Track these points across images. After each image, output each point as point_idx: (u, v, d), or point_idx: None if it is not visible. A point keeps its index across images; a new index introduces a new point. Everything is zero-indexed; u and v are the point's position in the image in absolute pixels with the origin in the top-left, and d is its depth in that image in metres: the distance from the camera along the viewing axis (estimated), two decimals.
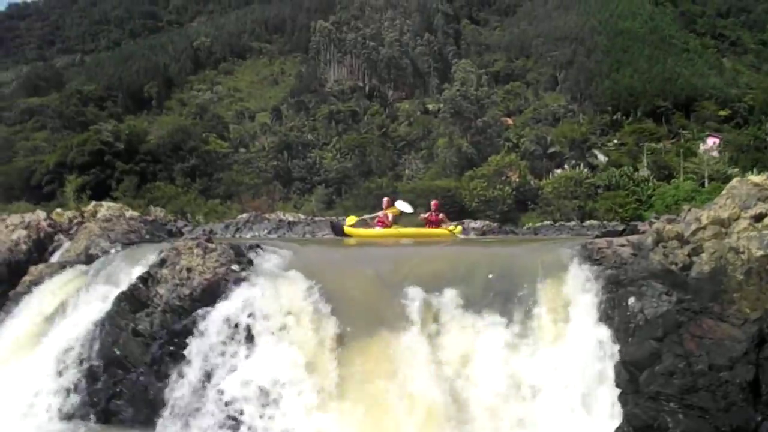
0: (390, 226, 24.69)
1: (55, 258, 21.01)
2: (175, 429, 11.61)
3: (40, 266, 19.02)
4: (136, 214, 36.91)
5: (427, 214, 26.25)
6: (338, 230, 24.55)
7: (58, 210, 40.52)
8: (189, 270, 13.05)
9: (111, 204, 46.18)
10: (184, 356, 12.15)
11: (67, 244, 21.62)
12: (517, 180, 78.01)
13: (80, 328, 13.53)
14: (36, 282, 17.58)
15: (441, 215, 26.00)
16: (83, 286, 15.36)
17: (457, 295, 11.85)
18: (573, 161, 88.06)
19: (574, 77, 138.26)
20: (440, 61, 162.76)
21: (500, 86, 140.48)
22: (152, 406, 12.10)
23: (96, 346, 13.02)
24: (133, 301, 13.21)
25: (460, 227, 27.80)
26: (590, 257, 11.76)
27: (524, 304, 11.52)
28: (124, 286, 13.74)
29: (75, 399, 12.75)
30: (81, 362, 13.01)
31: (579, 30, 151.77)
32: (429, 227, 25.37)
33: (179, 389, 11.89)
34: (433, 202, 27.42)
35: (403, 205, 26.23)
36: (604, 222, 58.37)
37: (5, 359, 14.46)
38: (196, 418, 11.46)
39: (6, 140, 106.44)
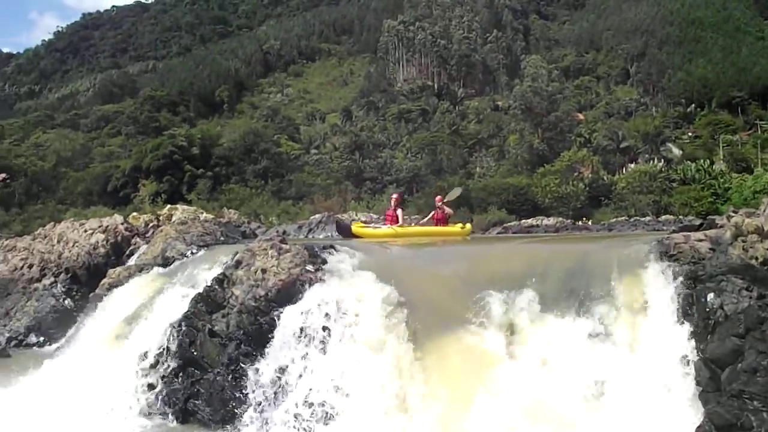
0: (396, 223, 23.45)
1: (132, 261, 21.35)
2: (252, 428, 11.73)
3: (118, 269, 19.34)
4: (210, 216, 37.27)
5: (432, 213, 25.27)
6: (345, 230, 23.49)
7: (134, 214, 41.11)
8: (264, 271, 13.19)
9: (186, 207, 46.74)
10: (259, 356, 12.27)
11: (144, 247, 21.97)
12: (590, 176, 77.10)
13: (158, 330, 13.72)
14: (114, 284, 17.88)
15: (447, 211, 25.02)
16: (161, 288, 15.60)
17: (533, 294, 11.75)
18: (646, 155, 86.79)
19: (645, 70, 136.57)
20: (509, 58, 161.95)
21: (570, 81, 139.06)
22: (229, 406, 12.24)
23: (174, 347, 13.19)
24: (209, 302, 13.38)
25: (469, 225, 26.51)
26: (667, 253, 11.57)
27: (601, 302, 11.39)
28: (200, 288, 13.92)
29: (154, 398, 12.94)
30: (159, 363, 13.20)
31: (650, 21, 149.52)
32: (436, 225, 24.58)
33: (255, 389, 12.01)
34: (437, 198, 26.32)
35: (455, 192, 26.53)
36: (680, 217, 57.36)
37: (87, 359, 14.72)
38: (273, 418, 11.54)
39: (83, 146, 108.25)
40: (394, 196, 25.07)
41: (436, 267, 14.56)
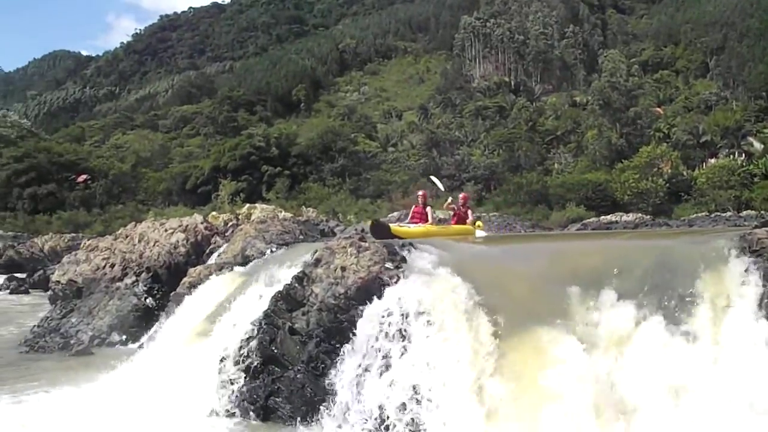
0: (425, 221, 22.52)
1: (212, 260, 21.56)
2: (332, 426, 11.71)
3: (199, 268, 19.51)
4: (289, 215, 37.62)
5: (454, 206, 24.52)
6: (383, 231, 20.96)
7: (214, 213, 41.67)
8: (343, 269, 13.16)
9: (264, 206, 47.24)
10: (340, 354, 12.25)
11: (224, 246, 22.17)
12: (670, 171, 75.98)
13: (239, 328, 13.79)
14: (195, 283, 18.04)
15: (468, 209, 24.50)
16: (241, 287, 15.68)
17: (613, 290, 11.56)
18: (727, 150, 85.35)
19: (725, 63, 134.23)
20: (586, 53, 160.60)
21: (649, 75, 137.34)
22: (310, 404, 12.23)
23: (254, 345, 13.23)
24: (289, 300, 13.39)
25: (480, 223, 25.97)
26: (749, 248, 11.32)
27: (682, 298, 11.14)
28: (280, 286, 13.94)
29: (235, 396, 13.00)
30: (240, 360, 13.25)
31: (729, 14, 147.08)
32: (454, 223, 24.10)
33: (336, 387, 11.99)
34: (461, 195, 25.63)
35: (436, 180, 25.52)
36: (762, 212, 56.43)
37: (168, 358, 14.86)
38: (353, 416, 11.51)
39: (162, 147, 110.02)
40: (421, 193, 23.86)
41: (516, 264, 14.39)
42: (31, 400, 14.17)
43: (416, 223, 22.22)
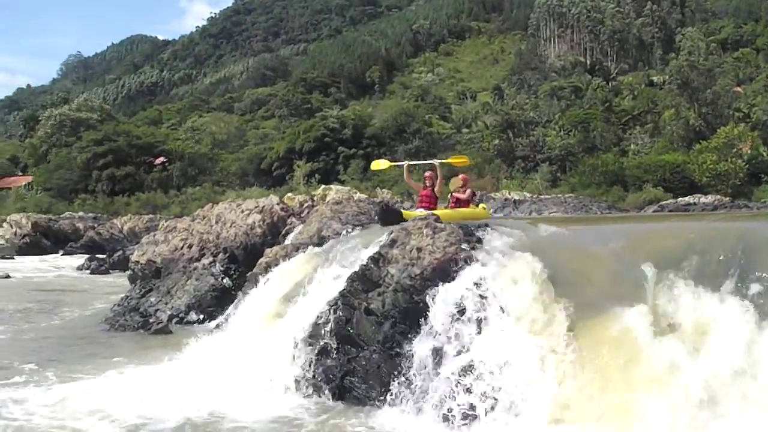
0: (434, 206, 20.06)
1: (288, 240, 21.68)
2: (407, 407, 11.73)
3: (275, 248, 19.63)
4: (363, 196, 37.74)
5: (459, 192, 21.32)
6: (392, 216, 18.53)
7: (289, 194, 41.93)
8: (419, 250, 13.15)
9: (339, 187, 47.42)
10: (415, 335, 12.26)
11: (299, 227, 22.28)
12: (750, 152, 74.46)
13: (315, 308, 13.87)
14: (271, 264, 18.15)
15: (468, 191, 21.39)
16: (317, 267, 15.75)
17: (692, 273, 11.37)
18: None
19: None
20: (664, 31, 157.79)
21: (728, 54, 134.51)
22: (385, 384, 12.26)
23: (330, 325, 13.30)
24: (365, 280, 13.42)
25: (484, 205, 23.47)
26: None
27: (764, 282, 10.93)
28: (356, 267, 13.99)
29: (311, 376, 13.09)
30: (316, 340, 13.34)
31: None
32: (453, 206, 20.99)
33: (411, 368, 12.00)
34: (460, 176, 22.23)
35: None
36: None
37: (245, 337, 15.02)
38: (428, 397, 11.52)
39: (238, 129, 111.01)
40: (427, 174, 21.24)
41: (592, 245, 14.23)
42: (112, 376, 14.44)
43: (426, 207, 19.82)
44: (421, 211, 18.78)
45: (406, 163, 20.06)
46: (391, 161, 20.15)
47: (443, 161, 21.01)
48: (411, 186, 22.19)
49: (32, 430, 11.24)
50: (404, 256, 13.27)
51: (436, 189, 20.00)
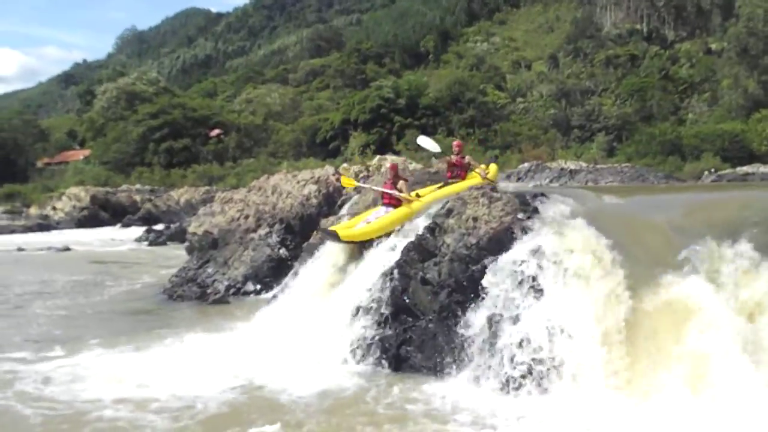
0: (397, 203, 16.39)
1: (344, 210, 21.74)
2: (463, 376, 11.77)
3: (331, 218, 19.73)
4: (419, 166, 37.58)
5: (452, 158, 18.69)
6: (331, 236, 15.92)
7: (345, 165, 41.90)
8: (475, 219, 13.11)
9: (394, 157, 47.27)
10: (471, 305, 12.25)
11: (355, 197, 22.33)
12: None
13: (371, 278, 13.92)
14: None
15: (467, 158, 18.79)
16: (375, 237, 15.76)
17: (750, 243, 11.22)
18: None
19: None
20: None
21: None
22: (441, 353, 12.32)
23: (386, 295, 13.36)
24: (421, 250, 13.43)
25: (494, 166, 20.31)
26: None
27: None
28: (412, 237, 14.00)
29: (367, 345, 13.17)
30: (373, 310, 13.40)
31: None
32: (450, 176, 18.47)
33: (467, 337, 12.02)
34: (455, 143, 19.31)
35: (426, 142, 19.50)
36: None
37: (302, 307, 15.11)
38: (485, 366, 11.54)
39: (292, 101, 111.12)
40: (388, 165, 19.18)
41: (649, 215, 14.13)
42: (172, 345, 14.64)
43: (387, 205, 16.56)
44: (360, 227, 15.92)
45: (368, 186, 18.44)
46: (356, 181, 18.54)
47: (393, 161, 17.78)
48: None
49: (101, 398, 11.51)
50: (460, 225, 13.24)
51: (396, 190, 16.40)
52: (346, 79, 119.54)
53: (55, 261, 33.37)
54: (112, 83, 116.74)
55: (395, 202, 16.36)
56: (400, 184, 16.52)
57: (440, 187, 17.88)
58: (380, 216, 16.13)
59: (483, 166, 19.17)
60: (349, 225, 16.52)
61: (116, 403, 11.15)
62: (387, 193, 16.54)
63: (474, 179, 17.92)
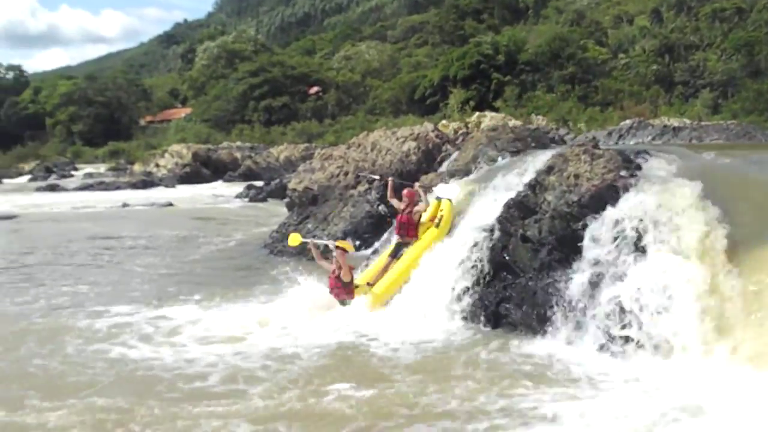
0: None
1: (443, 167, 21.77)
2: (562, 334, 11.70)
3: (431, 175, 19.76)
4: (518, 123, 37.36)
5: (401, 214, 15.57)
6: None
7: (444, 122, 41.80)
8: (576, 176, 12.94)
9: (494, 114, 47.03)
10: (572, 263, 12.14)
11: (455, 154, 22.31)
12: None
13: (471, 235, 13.90)
14: (427, 190, 18.22)
15: (419, 206, 15.46)
16: (473, 194, 15.73)
17: None
18: None
19: None
20: None
21: None
22: (540, 312, 12.24)
23: (486, 252, 13.33)
24: (521, 207, 13.36)
25: (448, 203, 15.65)
26: None
27: None
28: (512, 194, 13.92)
29: (467, 302, 13.18)
30: (473, 267, 13.39)
31: None
32: (399, 232, 15.46)
33: (567, 295, 11.92)
34: (405, 191, 15.76)
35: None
36: None
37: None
38: (584, 324, 11.44)
39: (391, 58, 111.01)
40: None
41: (756, 173, 13.79)
42: (274, 299, 14.84)
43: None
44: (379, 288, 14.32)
45: (310, 241, 15.55)
46: (302, 238, 15.89)
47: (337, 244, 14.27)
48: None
49: (202, 351, 11.84)
50: (561, 182, 13.09)
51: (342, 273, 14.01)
52: (444, 36, 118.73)
53: (158, 217, 34.12)
54: (212, 42, 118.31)
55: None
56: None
57: (389, 263, 15.16)
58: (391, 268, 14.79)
59: (425, 204, 15.69)
60: (368, 277, 15.02)
61: (217, 356, 11.46)
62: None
63: (430, 233, 15.11)
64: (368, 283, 14.30)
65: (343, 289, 14.01)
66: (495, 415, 8.92)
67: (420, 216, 15.23)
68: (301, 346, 11.88)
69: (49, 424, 8.88)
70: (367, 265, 16.60)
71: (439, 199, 15.79)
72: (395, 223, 15.32)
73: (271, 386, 10.03)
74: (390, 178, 15.77)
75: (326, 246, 15.33)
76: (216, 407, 9.23)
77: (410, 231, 15.17)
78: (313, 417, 8.96)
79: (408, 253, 14.89)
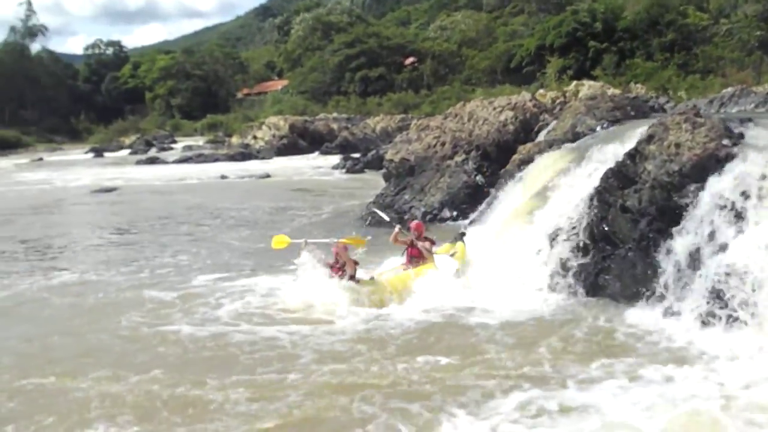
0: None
1: (541, 137, 21.67)
2: (662, 306, 11.55)
3: (528, 145, 19.69)
4: (617, 92, 36.87)
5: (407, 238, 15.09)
6: None
7: (541, 91, 41.44)
8: (677, 146, 12.72)
9: (592, 83, 46.44)
10: (672, 233, 11.97)
11: (553, 123, 22.18)
12: None
13: (569, 205, 13.83)
14: (525, 160, 18.19)
15: (426, 242, 14.93)
16: (571, 164, 15.62)
17: None
18: None
19: None
20: None
21: None
22: (639, 283, 12.14)
23: (585, 222, 13.24)
24: (621, 177, 13.19)
25: (462, 246, 15.70)
26: None
27: None
28: (611, 163, 13.76)
29: (565, 273, 13.13)
30: (570, 237, 13.32)
31: None
32: (407, 264, 14.81)
33: (667, 267, 11.77)
34: (413, 224, 15.47)
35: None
36: None
37: (500, 233, 15.16)
38: (684, 297, 11.27)
39: (487, 27, 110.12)
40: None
41: None
42: (370, 269, 14.86)
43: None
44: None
45: (302, 241, 15.01)
46: (290, 240, 15.42)
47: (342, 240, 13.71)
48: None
49: (296, 319, 12.10)
50: (662, 152, 12.88)
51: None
52: (540, 4, 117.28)
53: (255, 188, 34.68)
54: (307, 14, 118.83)
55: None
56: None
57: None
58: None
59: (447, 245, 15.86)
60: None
61: (310, 325, 11.72)
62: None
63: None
64: (371, 278, 13.88)
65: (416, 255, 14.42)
66: (590, 383, 9.00)
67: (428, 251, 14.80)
68: (395, 318, 12.07)
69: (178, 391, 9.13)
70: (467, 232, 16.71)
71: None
72: (406, 255, 14.92)
73: (363, 359, 10.18)
74: (397, 226, 15.18)
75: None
76: (303, 382, 9.37)
77: (421, 264, 14.62)
78: (405, 387, 9.04)
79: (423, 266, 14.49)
